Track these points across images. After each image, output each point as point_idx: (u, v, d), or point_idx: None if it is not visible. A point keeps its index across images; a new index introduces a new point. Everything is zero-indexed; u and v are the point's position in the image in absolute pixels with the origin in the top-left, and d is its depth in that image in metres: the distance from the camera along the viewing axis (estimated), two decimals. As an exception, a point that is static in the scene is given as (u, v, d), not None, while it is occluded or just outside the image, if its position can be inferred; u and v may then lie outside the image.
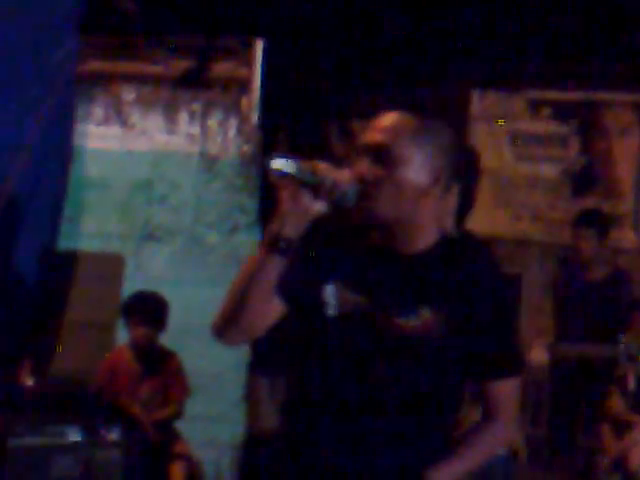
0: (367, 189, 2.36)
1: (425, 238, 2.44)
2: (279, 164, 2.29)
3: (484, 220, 6.29)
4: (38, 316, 5.51)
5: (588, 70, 6.21)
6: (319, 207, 2.33)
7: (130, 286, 5.65)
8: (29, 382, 5.26)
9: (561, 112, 6.57)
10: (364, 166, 2.38)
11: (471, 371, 2.45)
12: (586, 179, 6.57)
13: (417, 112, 2.44)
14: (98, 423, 4.94)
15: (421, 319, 2.38)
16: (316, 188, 2.31)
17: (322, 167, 2.32)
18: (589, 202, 6.45)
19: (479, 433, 2.50)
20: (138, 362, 5.35)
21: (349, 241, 2.49)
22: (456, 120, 6.57)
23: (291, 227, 2.33)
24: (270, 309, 2.42)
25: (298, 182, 2.31)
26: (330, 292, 2.42)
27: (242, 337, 2.47)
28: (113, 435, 4.93)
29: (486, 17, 6.05)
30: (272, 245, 2.34)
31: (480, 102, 6.72)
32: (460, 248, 2.51)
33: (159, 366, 5.37)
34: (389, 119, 2.41)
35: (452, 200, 3.74)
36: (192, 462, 5.34)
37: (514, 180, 6.71)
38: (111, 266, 5.84)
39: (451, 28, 6.06)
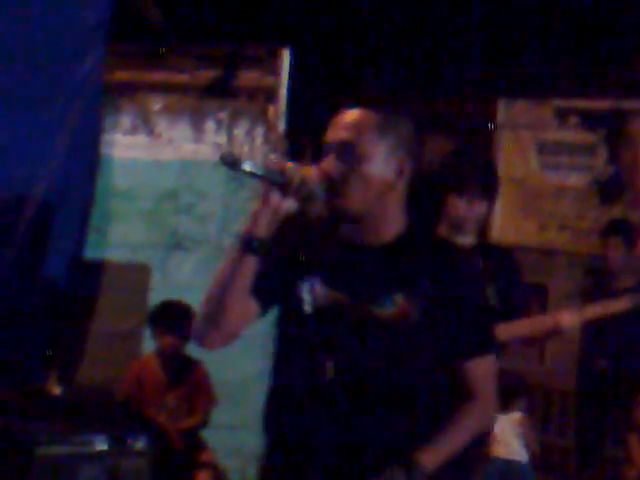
0: (334, 186, 2.41)
1: (393, 229, 2.50)
2: (248, 166, 2.33)
3: (510, 229, 6.28)
4: (65, 325, 5.53)
5: (616, 78, 6.19)
6: (289, 206, 2.38)
7: (157, 295, 5.66)
8: (56, 391, 5.29)
9: (588, 121, 6.54)
10: (330, 163, 2.43)
11: (447, 353, 2.49)
12: (613, 188, 6.54)
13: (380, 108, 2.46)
14: (124, 432, 4.94)
15: (397, 306, 2.42)
16: (285, 187, 2.35)
17: (290, 166, 2.37)
18: (616, 211, 6.41)
19: (460, 414, 2.53)
20: (164, 371, 5.36)
21: (320, 237, 2.54)
22: (482, 129, 6.57)
23: (262, 227, 2.38)
24: (248, 310, 2.46)
25: (267, 182, 2.36)
26: (305, 289, 2.46)
27: (222, 340, 2.49)
28: (139, 444, 4.92)
29: (512, 26, 6.04)
30: (245, 246, 2.38)
31: (507, 111, 6.70)
32: (427, 236, 2.59)
33: (185, 375, 5.38)
34: (351, 116, 2.46)
35: (483, 210, 3.76)
36: (218, 471, 5.35)
37: (541, 189, 6.69)
38: (138, 275, 5.86)
39: (477, 37, 6.06)
